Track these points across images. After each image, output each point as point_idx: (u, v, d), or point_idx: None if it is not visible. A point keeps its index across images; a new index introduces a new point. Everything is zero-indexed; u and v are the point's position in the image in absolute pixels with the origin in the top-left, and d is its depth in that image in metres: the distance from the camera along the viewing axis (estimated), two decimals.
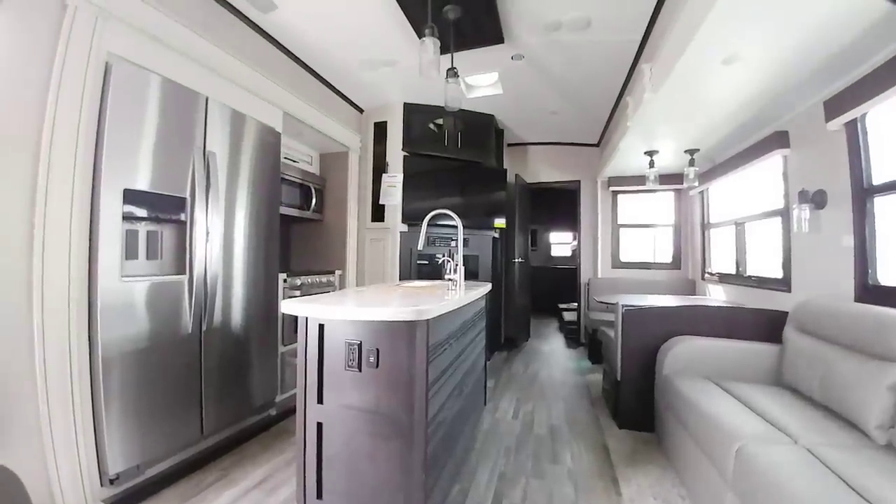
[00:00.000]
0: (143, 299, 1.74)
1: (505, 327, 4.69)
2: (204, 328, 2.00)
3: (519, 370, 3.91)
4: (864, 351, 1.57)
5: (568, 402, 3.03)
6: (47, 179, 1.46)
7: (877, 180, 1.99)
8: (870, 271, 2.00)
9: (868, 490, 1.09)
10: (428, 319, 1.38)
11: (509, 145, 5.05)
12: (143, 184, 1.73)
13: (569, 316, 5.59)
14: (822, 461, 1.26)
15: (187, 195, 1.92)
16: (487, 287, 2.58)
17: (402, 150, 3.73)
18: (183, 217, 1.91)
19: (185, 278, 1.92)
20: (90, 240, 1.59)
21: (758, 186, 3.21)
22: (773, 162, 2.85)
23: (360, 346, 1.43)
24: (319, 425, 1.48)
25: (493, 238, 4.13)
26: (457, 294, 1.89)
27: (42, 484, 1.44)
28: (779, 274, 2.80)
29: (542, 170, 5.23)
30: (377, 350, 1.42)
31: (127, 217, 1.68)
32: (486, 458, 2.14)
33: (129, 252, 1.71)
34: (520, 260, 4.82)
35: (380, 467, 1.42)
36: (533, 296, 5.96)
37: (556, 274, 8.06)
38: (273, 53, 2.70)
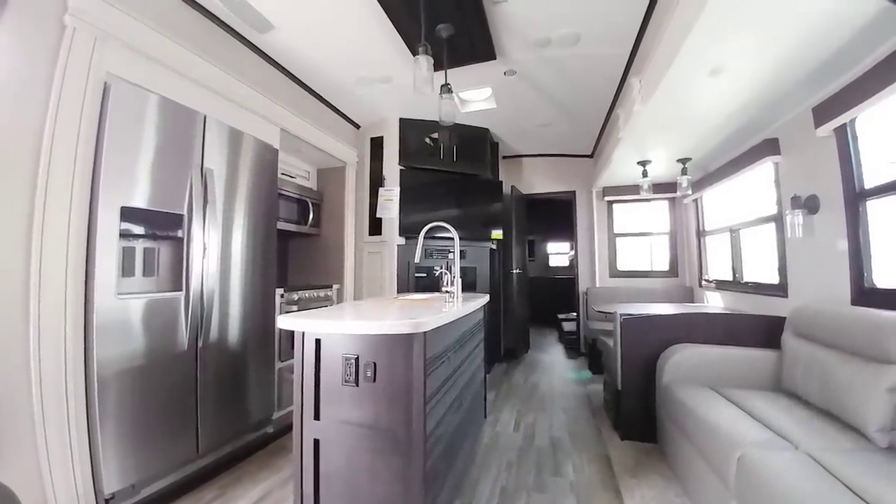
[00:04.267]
0: (140, 316, 1.73)
1: (504, 339, 4.67)
2: (200, 345, 1.99)
3: (519, 382, 3.88)
4: (862, 354, 1.57)
5: (569, 413, 3.00)
6: (45, 197, 1.47)
7: (868, 184, 2.01)
8: (865, 274, 2.01)
9: (870, 493, 1.08)
10: (425, 332, 1.38)
11: (504, 157, 5.10)
12: (140, 201, 1.75)
13: (568, 326, 5.57)
14: (823, 466, 1.26)
15: (185, 212, 1.93)
16: (485, 298, 2.58)
17: (399, 164, 3.76)
18: (180, 234, 1.92)
19: (181, 295, 1.92)
20: (87, 257, 1.60)
21: (751, 193, 3.25)
22: (764, 169, 2.88)
23: (356, 360, 1.42)
24: (316, 441, 1.47)
25: (491, 249, 4.14)
26: (454, 306, 1.89)
27: (38, 502, 1.42)
28: (775, 279, 2.82)
29: (538, 181, 5.28)
30: (374, 364, 1.41)
31: (124, 234, 1.69)
32: (487, 472, 2.11)
33: (126, 269, 1.71)
34: (517, 271, 4.83)
35: (378, 483, 1.40)
36: (532, 306, 5.95)
37: (554, 284, 8.05)
38: (270, 72, 2.75)
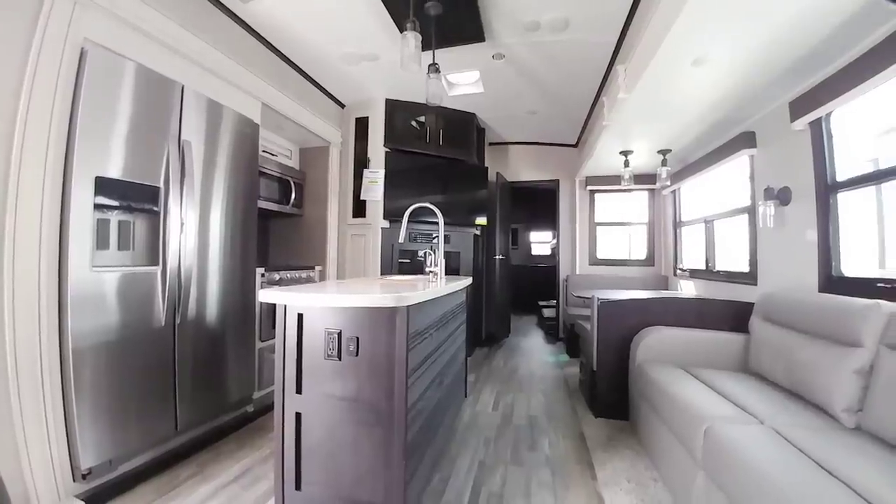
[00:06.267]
0: (115, 290, 1.69)
1: (486, 323, 4.73)
2: (178, 321, 1.96)
3: (499, 364, 3.96)
4: (829, 337, 1.63)
5: (546, 394, 3.09)
6: (20, 166, 1.42)
7: (841, 177, 2.08)
8: (833, 263, 2.10)
9: (838, 470, 1.10)
10: (408, 306, 1.40)
11: (490, 144, 5.10)
12: (115, 172, 1.69)
13: (548, 312, 5.68)
14: (788, 440, 1.30)
15: (161, 184, 1.87)
16: (468, 280, 2.60)
17: (384, 146, 3.72)
18: (156, 207, 1.86)
19: (157, 270, 1.87)
20: (61, 227, 1.54)
21: (726, 185, 3.35)
22: (740, 162, 2.98)
23: (339, 334, 1.43)
24: (298, 415, 1.47)
25: (475, 235, 4.17)
26: (437, 285, 1.91)
27: (16, 477, 1.40)
28: (745, 268, 2.93)
29: (523, 169, 5.31)
30: (357, 338, 1.42)
31: (98, 206, 1.63)
32: (466, 448, 2.17)
33: (101, 242, 1.66)
34: (501, 257, 4.88)
35: (359, 456, 1.42)
36: (513, 293, 6.03)
37: (535, 272, 8.17)
38: (252, 44, 2.66)
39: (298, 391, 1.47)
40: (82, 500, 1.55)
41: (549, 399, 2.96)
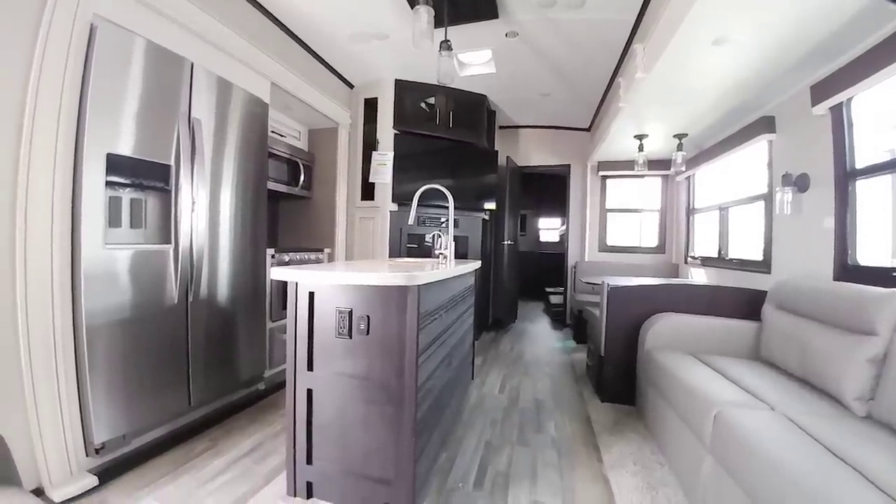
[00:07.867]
0: (127, 268, 1.70)
1: (493, 308, 4.74)
2: (190, 299, 1.98)
3: (506, 349, 3.98)
4: (842, 326, 1.60)
5: (553, 378, 3.10)
6: (31, 143, 1.41)
7: (860, 163, 2.02)
8: (849, 252, 2.06)
9: (849, 457, 1.09)
10: (419, 285, 1.39)
11: (501, 127, 5.02)
12: (126, 149, 1.68)
13: (555, 299, 5.68)
14: (800, 427, 1.29)
15: (172, 162, 1.87)
16: (477, 264, 2.59)
17: (393, 127, 3.68)
18: (167, 185, 1.87)
19: (170, 248, 1.88)
20: (73, 204, 1.55)
21: (742, 172, 3.28)
22: (758, 147, 2.90)
23: (350, 313, 1.43)
24: (309, 392, 1.49)
25: (483, 220, 4.14)
26: (447, 267, 1.90)
27: (27, 452, 1.42)
28: (759, 256, 2.89)
29: (534, 153, 5.23)
30: (368, 317, 1.42)
31: (110, 183, 1.64)
32: (472, 429, 2.19)
33: (113, 219, 1.67)
34: (509, 242, 4.85)
35: (369, 432, 1.44)
36: (521, 279, 6.02)
37: (543, 259, 8.13)
38: (261, 21, 2.62)
39: (310, 368, 1.49)
40: (95, 474, 1.57)
41: (556, 383, 2.98)
